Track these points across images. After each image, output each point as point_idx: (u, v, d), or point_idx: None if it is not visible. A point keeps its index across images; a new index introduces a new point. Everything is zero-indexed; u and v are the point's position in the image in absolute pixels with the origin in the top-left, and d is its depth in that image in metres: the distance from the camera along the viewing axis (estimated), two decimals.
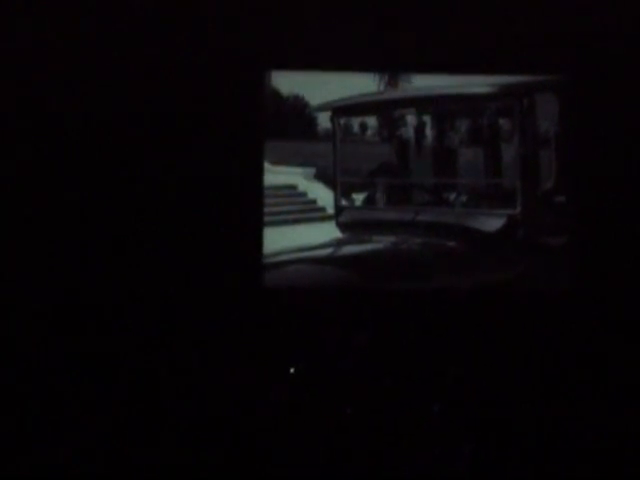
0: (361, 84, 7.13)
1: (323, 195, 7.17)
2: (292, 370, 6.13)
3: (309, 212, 7.19)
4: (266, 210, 7.03)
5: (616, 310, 6.56)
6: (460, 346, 6.37)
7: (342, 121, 7.17)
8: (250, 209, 6.71)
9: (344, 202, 7.17)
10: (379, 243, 7.12)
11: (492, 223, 7.09)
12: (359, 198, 7.18)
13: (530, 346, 6.42)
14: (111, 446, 5.51)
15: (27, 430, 5.54)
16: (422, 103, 7.18)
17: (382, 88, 7.18)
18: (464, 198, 7.13)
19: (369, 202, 7.14)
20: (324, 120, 7.14)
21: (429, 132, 7.19)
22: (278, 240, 7.01)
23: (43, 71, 6.47)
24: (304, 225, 7.14)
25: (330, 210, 7.15)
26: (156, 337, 6.16)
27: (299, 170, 7.16)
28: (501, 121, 7.14)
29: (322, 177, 7.16)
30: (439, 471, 5.77)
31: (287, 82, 7.10)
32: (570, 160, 6.98)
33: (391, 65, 7.06)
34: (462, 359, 6.29)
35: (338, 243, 7.11)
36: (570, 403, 6.00)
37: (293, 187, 7.20)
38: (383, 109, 7.21)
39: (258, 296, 6.55)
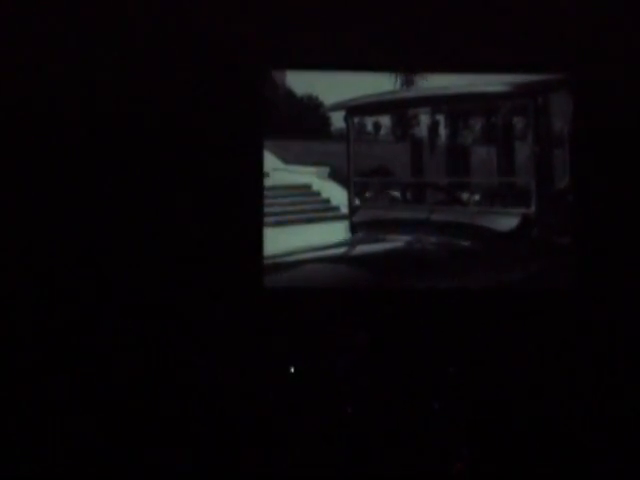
0: (375, 83, 7.13)
1: (337, 194, 7.19)
2: (292, 369, 6.18)
3: (323, 211, 7.22)
4: (280, 209, 7.10)
5: (621, 309, 6.49)
6: (462, 345, 6.37)
7: (356, 120, 7.19)
8: (250, 209, 6.75)
9: (358, 201, 7.18)
10: (393, 242, 7.13)
11: (506, 222, 7.05)
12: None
13: (534, 345, 6.39)
14: (111, 446, 5.59)
15: (26, 430, 5.64)
16: (436, 102, 7.17)
17: (397, 87, 7.18)
18: (478, 197, 7.11)
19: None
20: (338, 119, 7.16)
21: (443, 131, 7.17)
22: (292, 239, 7.06)
23: (44, 70, 6.56)
24: (318, 224, 7.17)
25: (344, 209, 7.17)
26: (156, 337, 6.26)
27: (313, 169, 7.20)
28: (515, 120, 7.10)
29: (336, 176, 7.19)
30: (439, 470, 5.77)
31: (301, 81, 7.13)
32: (576, 160, 6.93)
33: (402, 65, 7.05)
34: (464, 358, 6.29)
35: (352, 242, 7.13)
36: (571, 402, 5.97)
37: (307, 186, 7.24)
38: (397, 108, 7.20)
39: (259, 296, 6.60)
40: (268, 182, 7.04)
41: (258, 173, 6.91)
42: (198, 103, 6.67)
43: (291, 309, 6.52)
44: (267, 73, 7.03)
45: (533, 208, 7.01)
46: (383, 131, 7.21)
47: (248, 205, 6.74)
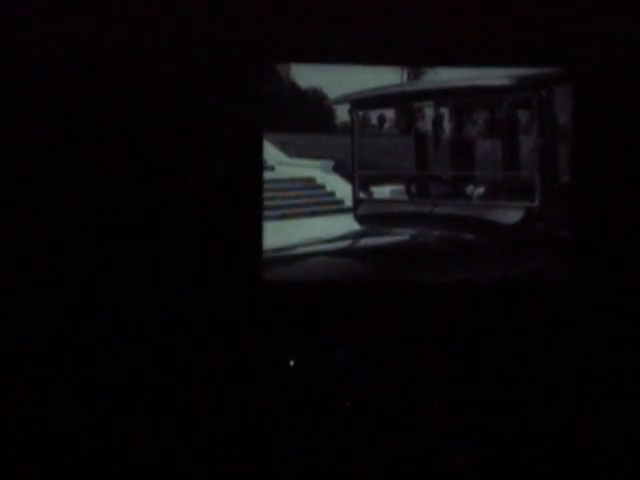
0: (380, 77, 7.12)
1: (341, 188, 7.21)
2: (292, 363, 6.22)
3: (327, 205, 7.24)
4: (284, 203, 7.13)
5: (622, 304, 6.49)
6: (462, 340, 6.39)
7: (360, 114, 7.18)
8: (250, 203, 6.77)
9: (362, 195, 7.20)
10: (397, 236, 7.14)
11: (510, 216, 7.05)
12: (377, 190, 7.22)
13: (534, 339, 6.40)
14: (110, 444, 5.61)
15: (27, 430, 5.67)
16: (440, 95, 7.15)
17: (402, 80, 7.17)
18: (482, 190, 7.10)
19: None
20: (342, 113, 7.16)
21: (447, 124, 7.16)
22: (296, 233, 7.09)
23: (44, 69, 6.60)
24: (322, 217, 7.19)
25: (348, 202, 7.19)
26: (156, 331, 6.30)
27: (317, 163, 7.21)
28: (519, 113, 7.07)
29: (340, 170, 7.20)
30: (438, 466, 5.78)
31: (306, 75, 7.13)
32: (576, 153, 6.91)
33: (406, 58, 7.04)
34: (465, 353, 6.30)
35: (356, 235, 7.15)
36: (571, 398, 5.97)
37: (311, 180, 7.26)
38: (401, 102, 7.19)
39: (258, 290, 6.64)
40: (273, 176, 7.07)
41: (258, 167, 6.93)
42: (199, 97, 6.69)
43: (291, 302, 6.56)
44: (269, 66, 7.03)
45: (537, 202, 6.99)
46: (387, 124, 7.21)
47: (248, 199, 6.77)
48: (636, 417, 5.80)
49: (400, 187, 7.19)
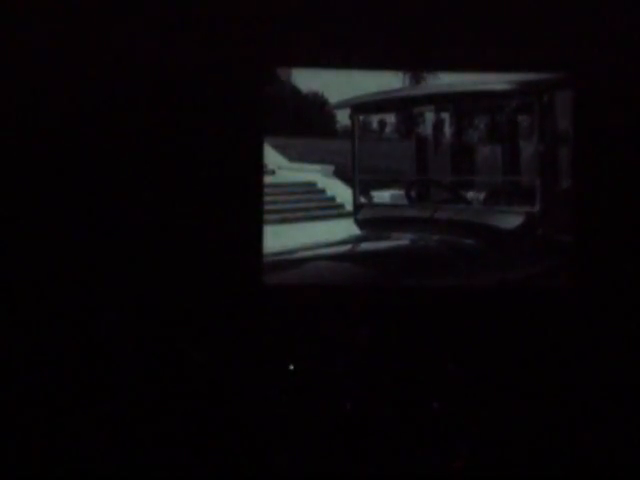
0: (381, 81, 7.13)
1: (342, 192, 7.21)
2: (292, 367, 6.21)
3: (328, 209, 7.24)
4: (285, 207, 7.13)
5: (623, 312, 6.49)
6: (463, 343, 6.38)
7: (361, 118, 7.19)
8: (250, 207, 6.77)
9: (362, 199, 7.19)
10: (397, 240, 7.14)
11: (511, 221, 7.04)
12: (377, 195, 7.22)
13: (535, 344, 6.40)
14: (110, 445, 5.60)
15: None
16: (441, 100, 7.16)
17: (403, 85, 7.17)
18: (482, 195, 7.10)
19: None
20: (343, 117, 7.17)
21: (448, 129, 7.16)
22: (297, 237, 7.08)
23: (44, 70, 6.61)
24: (322, 222, 7.19)
25: (349, 207, 7.19)
26: (156, 335, 6.30)
27: (318, 167, 7.21)
28: (520, 118, 7.08)
29: (341, 174, 7.20)
30: (438, 469, 5.77)
31: (306, 79, 7.14)
32: (577, 158, 6.91)
33: (407, 63, 7.05)
34: (465, 356, 6.29)
35: (356, 240, 7.14)
36: (571, 402, 5.96)
37: (312, 184, 7.26)
38: (402, 106, 7.20)
39: (258, 294, 6.64)
40: (273, 180, 7.07)
41: (258, 171, 6.93)
42: (199, 101, 6.69)
43: (291, 306, 6.55)
44: (269, 70, 7.04)
45: (538, 207, 6.99)
46: (388, 129, 7.21)
47: (248, 203, 6.77)
48: (637, 418, 5.80)
49: (400, 192, 7.19)
